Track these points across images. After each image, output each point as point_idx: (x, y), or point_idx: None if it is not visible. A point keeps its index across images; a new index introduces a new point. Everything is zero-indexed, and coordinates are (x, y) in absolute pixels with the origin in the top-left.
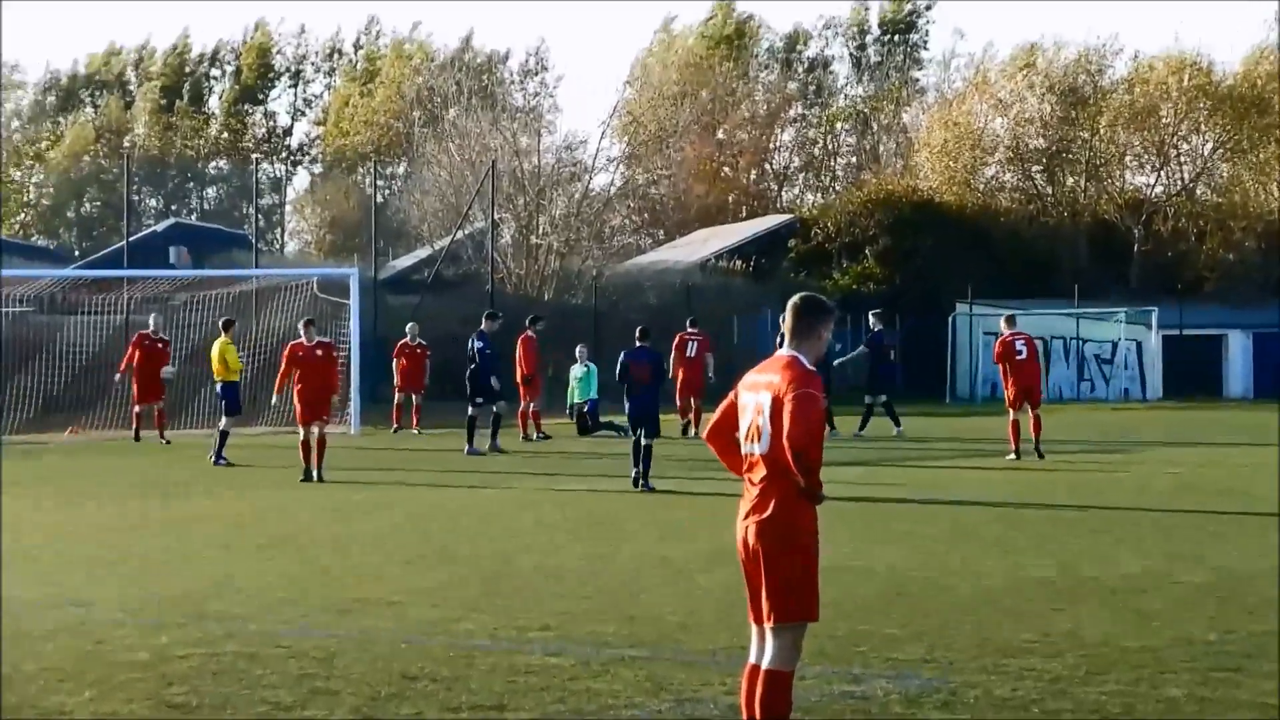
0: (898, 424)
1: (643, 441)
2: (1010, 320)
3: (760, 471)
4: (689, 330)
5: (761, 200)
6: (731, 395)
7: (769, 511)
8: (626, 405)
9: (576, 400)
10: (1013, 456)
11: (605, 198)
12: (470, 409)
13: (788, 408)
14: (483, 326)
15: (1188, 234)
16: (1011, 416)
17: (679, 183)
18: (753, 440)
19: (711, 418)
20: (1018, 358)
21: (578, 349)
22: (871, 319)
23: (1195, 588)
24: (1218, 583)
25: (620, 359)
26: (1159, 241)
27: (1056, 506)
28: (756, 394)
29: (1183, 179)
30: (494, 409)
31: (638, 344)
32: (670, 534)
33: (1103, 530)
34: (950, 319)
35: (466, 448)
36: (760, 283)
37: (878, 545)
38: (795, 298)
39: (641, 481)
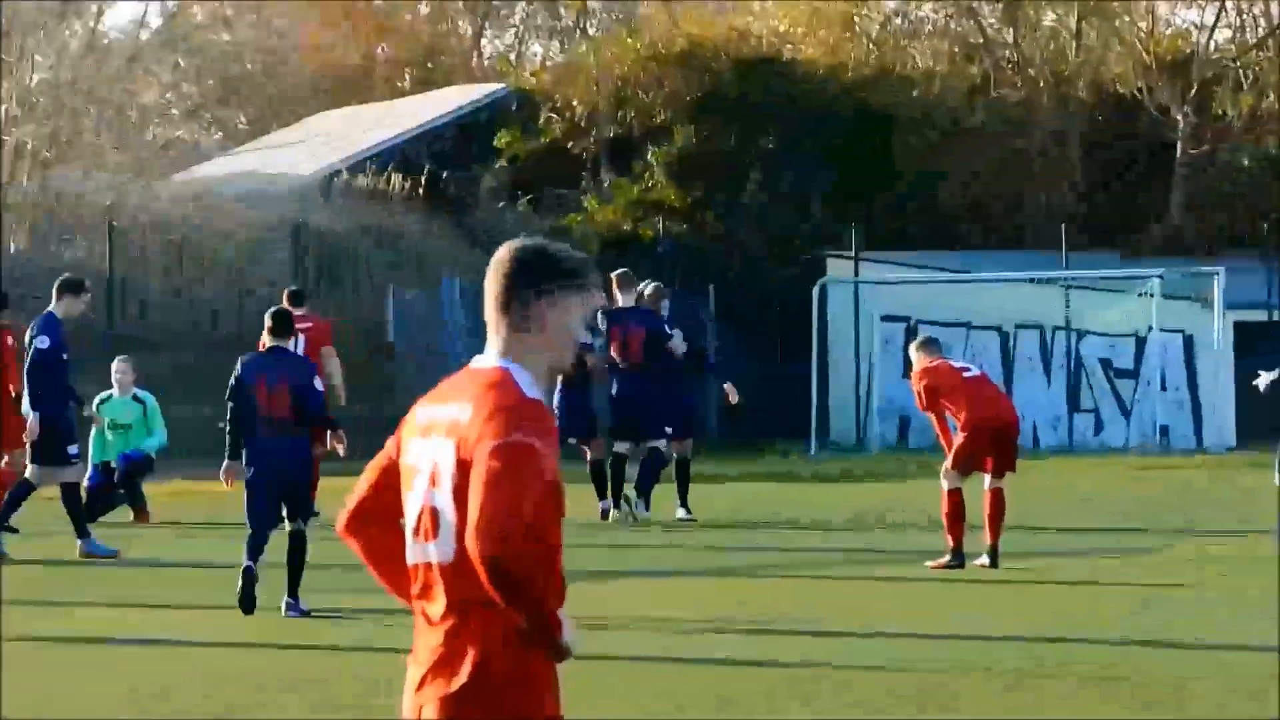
0: (646, 501)
1: (286, 529)
2: (928, 346)
3: (440, 600)
4: (294, 311)
5: (448, 58)
6: (390, 445)
7: (461, 677)
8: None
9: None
10: (948, 560)
11: (130, 51)
12: None
13: (478, 474)
14: None
15: None
16: (948, 486)
17: (277, 28)
18: (425, 537)
19: (354, 492)
20: (965, 376)
21: (115, 365)
22: (650, 291)
23: None
24: None
25: (237, 370)
26: (1224, 139)
27: None
28: (431, 444)
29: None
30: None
31: (270, 338)
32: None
33: None
34: (817, 289)
35: None
36: (438, 218)
37: None
38: (502, 250)
39: (288, 603)
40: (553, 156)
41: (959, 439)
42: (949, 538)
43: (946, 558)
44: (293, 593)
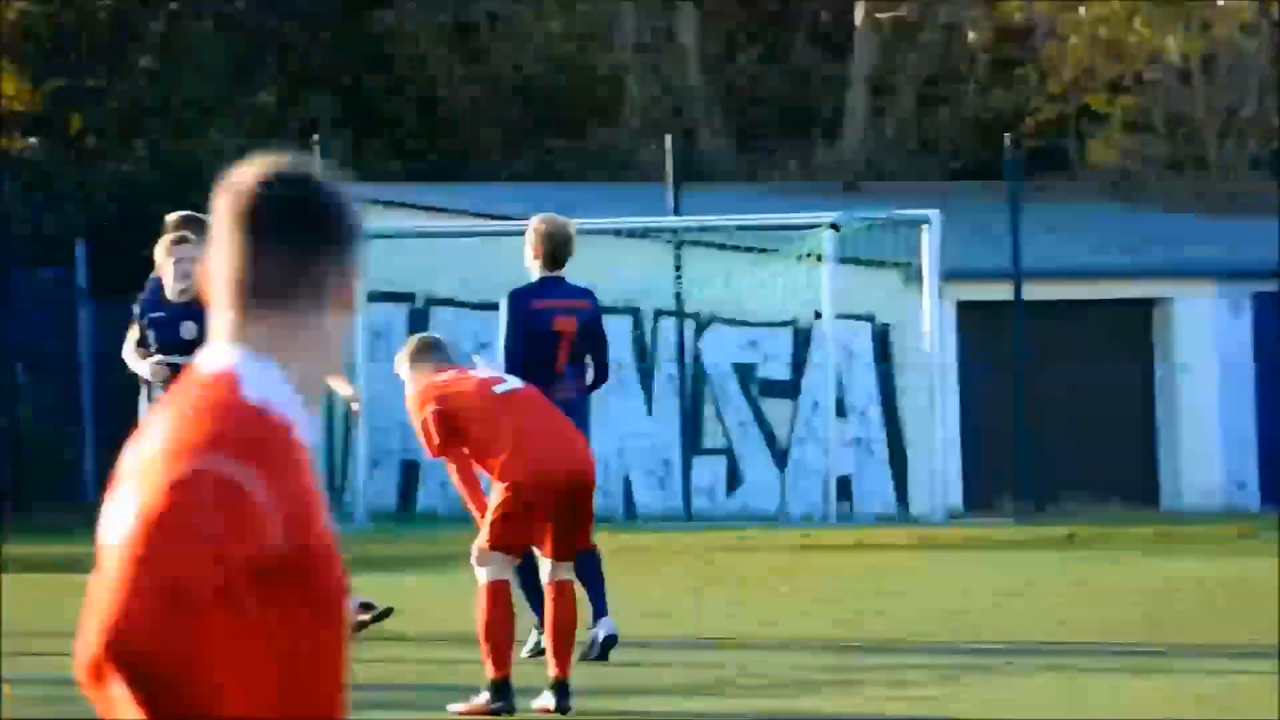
0: None
1: None
2: (427, 352)
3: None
4: None
5: None
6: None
7: None
8: None
9: None
10: (485, 700)
11: None
12: None
13: (132, 528)
14: None
15: None
16: (486, 578)
17: None
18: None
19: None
20: (498, 392)
21: None
22: None
23: None
24: None
25: None
26: None
27: None
28: (119, 503)
29: None
30: None
31: None
32: None
33: None
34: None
35: None
36: None
37: None
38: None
39: None
40: None
41: (495, 498)
42: (489, 663)
43: (483, 696)
44: None
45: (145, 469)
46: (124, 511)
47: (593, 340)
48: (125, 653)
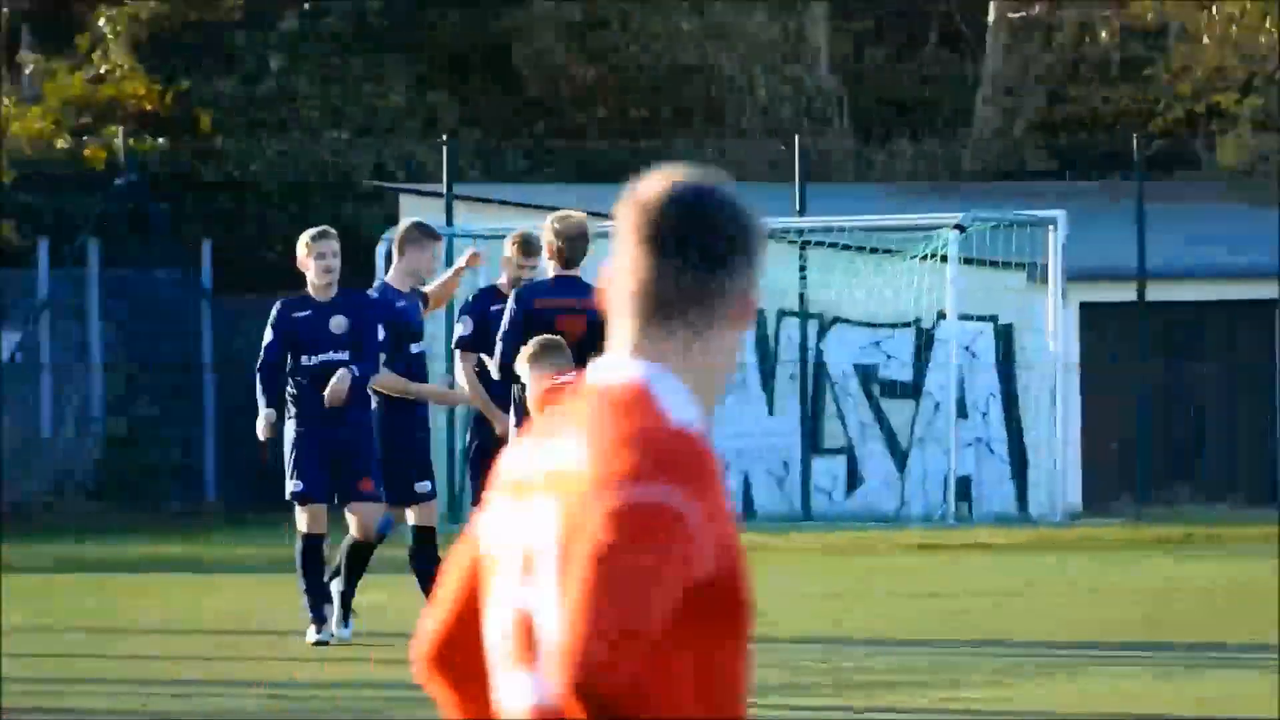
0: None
1: None
2: (546, 355)
3: None
4: None
5: None
6: (475, 523)
7: None
8: None
9: None
10: None
11: None
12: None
13: (582, 558)
14: None
15: None
16: None
17: None
18: (513, 664)
19: (431, 611)
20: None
21: None
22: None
23: None
24: None
25: None
26: None
27: None
28: (524, 510)
29: None
30: None
31: None
32: None
33: None
34: (382, 250)
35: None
36: None
37: None
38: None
39: None
40: None
41: None
42: None
43: None
44: None
45: (569, 488)
46: (542, 523)
47: (604, 341)
48: (592, 691)
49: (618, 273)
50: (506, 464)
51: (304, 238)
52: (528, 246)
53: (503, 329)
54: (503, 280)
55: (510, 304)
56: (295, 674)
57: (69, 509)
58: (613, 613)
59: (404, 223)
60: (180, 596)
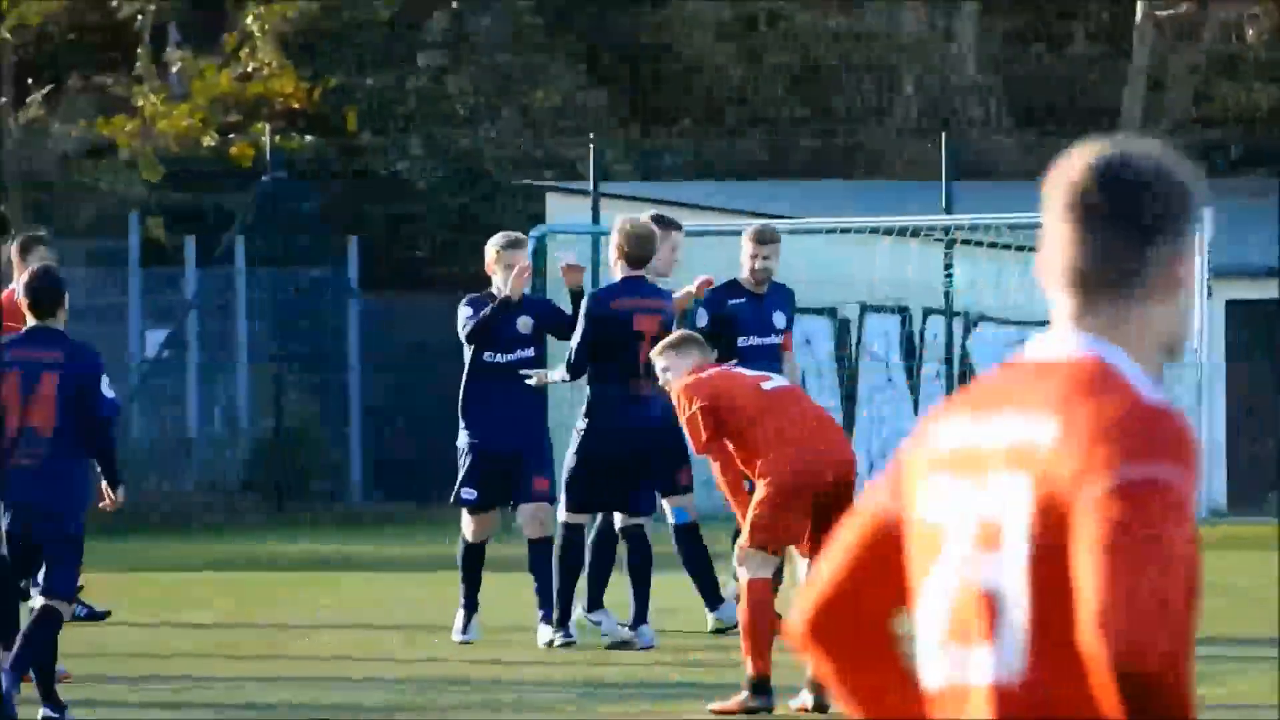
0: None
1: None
2: (687, 346)
3: None
4: None
5: None
6: (878, 493)
7: None
8: None
9: None
10: (744, 698)
11: None
12: None
13: (1090, 533)
14: None
15: None
16: (747, 575)
17: None
18: (966, 639)
19: (816, 579)
20: (765, 389)
21: None
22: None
23: None
24: None
25: None
26: None
27: None
28: (977, 484)
29: None
30: None
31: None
32: None
33: None
34: (534, 245)
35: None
36: None
37: None
38: (1088, 162)
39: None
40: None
41: (757, 496)
42: (749, 660)
43: (743, 694)
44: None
45: (1042, 464)
46: (1009, 498)
47: None
48: (1133, 669)
49: (1049, 247)
50: (931, 438)
51: (495, 243)
52: (760, 235)
53: (578, 330)
54: (744, 275)
55: (585, 305)
56: (432, 670)
57: (217, 507)
58: (1146, 591)
59: (640, 217)
60: (353, 591)
